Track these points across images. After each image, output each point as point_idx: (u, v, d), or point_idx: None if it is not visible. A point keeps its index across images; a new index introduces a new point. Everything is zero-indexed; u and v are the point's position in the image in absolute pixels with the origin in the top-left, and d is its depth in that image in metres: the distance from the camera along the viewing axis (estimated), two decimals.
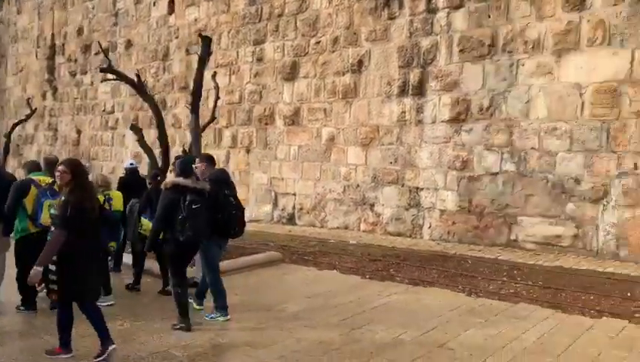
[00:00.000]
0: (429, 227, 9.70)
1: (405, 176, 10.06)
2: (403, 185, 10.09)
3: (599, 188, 7.82)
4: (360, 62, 10.75)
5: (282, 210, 12.29)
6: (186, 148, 9.06)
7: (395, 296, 5.95)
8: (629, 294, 5.86)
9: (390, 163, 10.29)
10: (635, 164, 7.50)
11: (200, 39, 8.00)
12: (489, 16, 8.99)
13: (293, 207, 12.10)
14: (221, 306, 5.05)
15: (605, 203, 7.79)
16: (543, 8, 8.36)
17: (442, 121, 9.51)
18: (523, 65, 8.62)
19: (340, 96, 11.11)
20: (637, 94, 7.46)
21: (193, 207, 4.58)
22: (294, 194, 12.10)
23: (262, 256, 7.82)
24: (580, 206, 8.02)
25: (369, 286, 6.37)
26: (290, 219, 12.08)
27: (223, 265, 7.06)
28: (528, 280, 6.57)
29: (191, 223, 4.55)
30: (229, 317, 5.02)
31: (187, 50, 14.43)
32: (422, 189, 9.82)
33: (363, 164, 10.76)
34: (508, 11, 8.77)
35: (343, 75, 11.05)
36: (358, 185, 10.85)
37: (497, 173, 8.89)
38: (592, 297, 5.81)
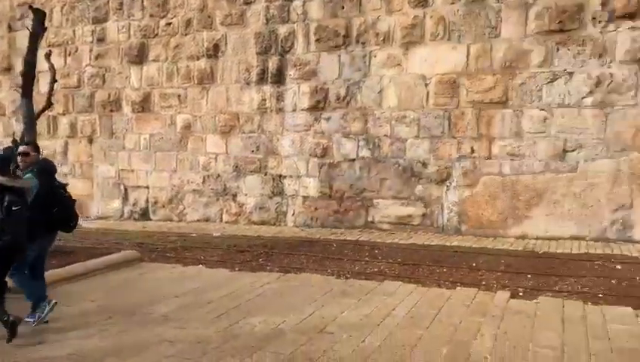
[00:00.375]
0: (293, 214, 9.79)
1: (268, 164, 10.00)
2: (266, 174, 10.02)
3: (443, 171, 8.62)
4: (216, 47, 10.35)
5: (134, 204, 11.38)
6: (16, 139, 7.82)
7: (268, 285, 5.85)
8: (474, 264, 6.55)
9: (252, 151, 10.13)
10: (472, 148, 8.41)
11: (31, 12, 6.92)
12: (343, 7, 9.29)
13: (147, 201, 11.29)
14: (37, 298, 4.59)
15: (448, 184, 8.62)
16: (392, 2, 8.88)
17: (302, 110, 9.62)
18: (375, 56, 9.09)
19: (196, 82, 10.59)
20: (472, 85, 8.35)
21: (13, 208, 4.06)
22: (147, 187, 11.29)
23: (117, 256, 7.11)
24: (427, 187, 8.77)
25: (240, 279, 6.17)
26: (144, 215, 11.25)
27: (70, 269, 6.33)
28: (389, 258, 6.98)
29: (11, 227, 4.00)
30: (54, 301, 4.63)
31: (10, 26, 12.47)
32: (285, 177, 9.86)
33: (223, 152, 10.43)
34: (360, 3, 9.15)
35: (198, 59, 10.55)
36: (218, 175, 10.50)
37: (355, 160, 9.29)
38: (444, 270, 6.37)
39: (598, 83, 7.56)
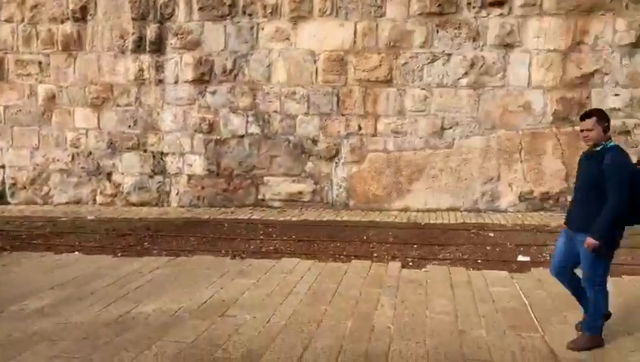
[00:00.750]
0: (177, 194, 9.27)
1: (147, 140, 9.30)
2: (145, 151, 9.32)
3: (332, 148, 8.73)
4: (84, 10, 9.27)
5: None
6: None
7: (158, 270, 5.46)
8: (364, 237, 6.76)
9: (129, 126, 9.33)
10: (359, 126, 8.61)
11: None
12: None
13: (3, 183, 9.91)
14: None
15: (337, 160, 8.77)
16: None
17: (185, 82, 9.06)
18: (263, 29, 8.82)
19: (60, 48, 9.43)
20: (359, 63, 8.50)
21: None
22: (3, 167, 9.90)
23: None
24: (317, 164, 8.83)
25: (125, 265, 5.67)
26: (0, 198, 9.88)
27: None
28: (283, 236, 6.92)
29: None
30: None
31: None
32: (167, 154, 9.26)
33: (95, 127, 9.48)
34: None
35: (62, 22, 9.38)
36: (90, 153, 9.54)
37: (244, 136, 9.02)
38: (338, 244, 6.49)
39: (472, 65, 8.15)
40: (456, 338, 3.71)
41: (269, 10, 8.73)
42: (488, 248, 6.24)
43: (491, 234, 6.86)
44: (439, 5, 8.16)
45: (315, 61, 8.69)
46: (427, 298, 4.56)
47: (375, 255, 6.04)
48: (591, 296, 3.46)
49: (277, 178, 8.97)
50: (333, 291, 4.73)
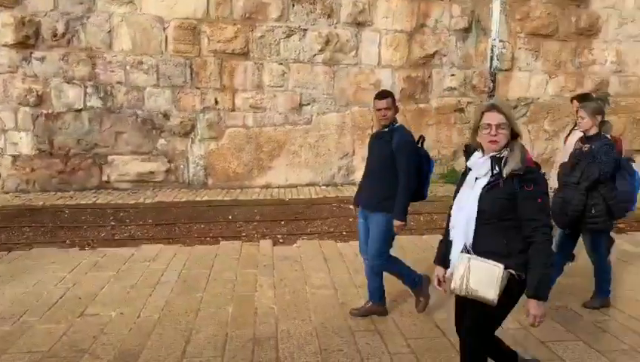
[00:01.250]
0: (1, 177, 7.87)
1: None
2: None
3: (187, 123, 8.20)
4: None
5: None
6: None
7: None
8: (230, 217, 6.51)
9: None
10: (216, 100, 8.21)
11: None
12: None
13: None
14: None
15: (193, 136, 8.27)
16: None
17: (5, 46, 7.64)
18: None
19: None
20: (214, 34, 8.04)
21: None
22: None
23: None
24: (170, 140, 8.22)
25: None
26: None
27: None
28: (138, 221, 6.34)
29: None
30: None
31: None
32: None
33: None
34: None
35: None
36: None
37: (82, 110, 7.97)
38: (202, 226, 6.15)
39: (328, 42, 8.26)
40: (339, 312, 3.74)
41: None
42: (350, 220, 6.46)
43: (351, 207, 7.12)
44: None
45: (164, 29, 7.99)
46: (304, 273, 4.55)
47: (244, 234, 5.86)
48: (377, 269, 3.55)
49: (124, 157, 8.14)
50: (206, 276, 4.45)
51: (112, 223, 6.24)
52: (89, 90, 7.94)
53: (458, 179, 2.45)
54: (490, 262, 2.18)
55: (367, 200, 3.58)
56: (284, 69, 8.26)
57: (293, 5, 8.16)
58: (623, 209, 3.57)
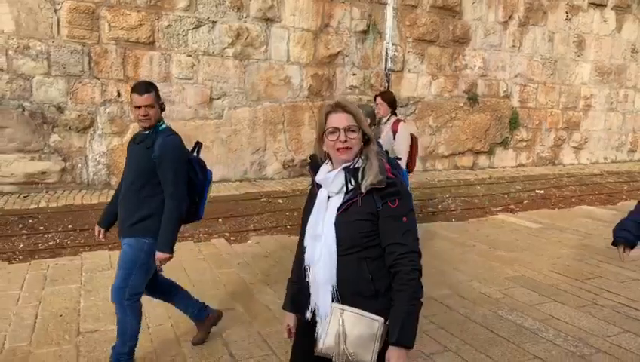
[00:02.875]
0: None
1: None
2: None
3: (85, 117, 7.39)
4: None
5: None
6: None
7: None
8: None
9: None
10: (119, 92, 7.54)
11: None
12: None
13: None
14: None
15: (93, 132, 7.49)
16: None
17: None
18: None
19: None
20: (115, 20, 7.37)
21: None
22: None
23: None
24: (65, 136, 7.34)
25: None
26: None
27: None
28: (56, 227, 5.61)
29: None
30: None
31: None
32: None
33: None
34: None
35: None
36: None
37: None
38: None
39: (238, 35, 8.15)
40: None
41: None
42: (287, 213, 6.58)
43: (280, 201, 7.22)
44: None
45: (55, 10, 7.08)
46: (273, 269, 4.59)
47: (187, 234, 5.59)
48: (120, 314, 2.76)
49: (8, 155, 7.04)
50: (189, 281, 4.21)
51: (25, 231, 5.42)
52: None
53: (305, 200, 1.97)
54: (366, 314, 1.70)
55: (120, 223, 2.80)
56: (193, 61, 7.94)
57: None
58: None
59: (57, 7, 7.07)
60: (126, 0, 7.42)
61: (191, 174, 2.86)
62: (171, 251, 2.75)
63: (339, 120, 1.76)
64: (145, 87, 2.76)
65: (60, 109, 7.24)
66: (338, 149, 1.76)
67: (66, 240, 5.22)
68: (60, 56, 7.15)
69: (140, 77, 7.60)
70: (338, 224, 1.74)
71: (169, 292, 3.10)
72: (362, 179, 1.74)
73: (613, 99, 12.33)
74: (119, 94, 7.54)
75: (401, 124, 4.52)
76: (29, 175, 7.17)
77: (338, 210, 1.76)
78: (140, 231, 2.71)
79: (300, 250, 1.87)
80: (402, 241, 1.71)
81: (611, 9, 11.79)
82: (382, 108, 4.67)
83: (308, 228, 1.83)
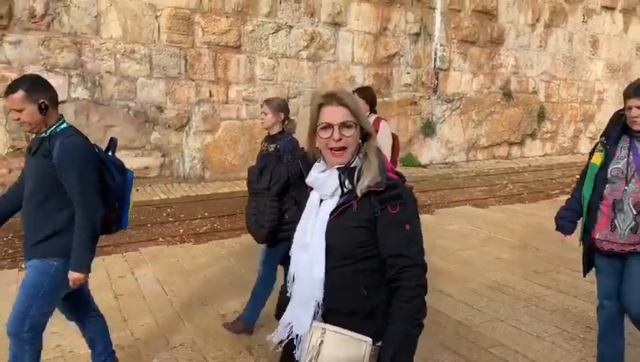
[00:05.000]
0: None
1: None
2: None
3: (183, 116, 7.98)
4: None
5: None
6: None
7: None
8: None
9: None
10: (210, 92, 8.15)
11: None
12: None
13: None
14: None
15: (188, 129, 8.08)
16: None
17: None
18: None
19: None
20: (208, 25, 7.98)
21: None
22: None
23: None
24: (164, 134, 7.91)
25: None
26: None
27: None
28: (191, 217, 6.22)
29: None
30: None
31: None
32: None
33: None
34: None
35: None
36: None
37: (65, 102, 7.18)
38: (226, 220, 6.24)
39: (312, 39, 8.85)
40: None
41: None
42: None
43: None
44: None
45: (156, 17, 7.64)
46: None
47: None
48: (16, 350, 2.34)
49: (116, 152, 7.55)
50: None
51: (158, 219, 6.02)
52: (74, 79, 7.20)
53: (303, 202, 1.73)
54: (352, 334, 1.49)
55: (23, 242, 2.44)
56: (274, 63, 8.60)
57: (281, 2, 8.54)
58: None
59: (158, 13, 7.63)
60: (216, 7, 8.03)
61: (106, 177, 2.48)
62: (87, 270, 2.36)
63: (333, 114, 1.52)
64: (11, 86, 2.31)
65: (160, 109, 7.81)
66: (331, 149, 1.52)
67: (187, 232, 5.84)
68: (161, 59, 7.71)
69: (229, 78, 8.26)
70: (330, 231, 1.50)
71: (85, 316, 2.69)
72: (358, 181, 1.50)
73: (621, 94, 13.52)
74: (211, 94, 8.15)
75: (382, 122, 4.11)
76: (134, 170, 7.69)
77: (331, 215, 1.52)
78: (45, 251, 2.33)
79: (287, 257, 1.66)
80: (405, 253, 1.46)
81: (619, 11, 12.95)
82: (360, 105, 4.10)
83: (295, 235, 1.60)
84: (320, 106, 1.56)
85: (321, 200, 1.57)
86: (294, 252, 1.61)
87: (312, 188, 1.61)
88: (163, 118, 7.84)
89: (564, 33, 12.06)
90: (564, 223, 2.84)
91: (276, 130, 3.25)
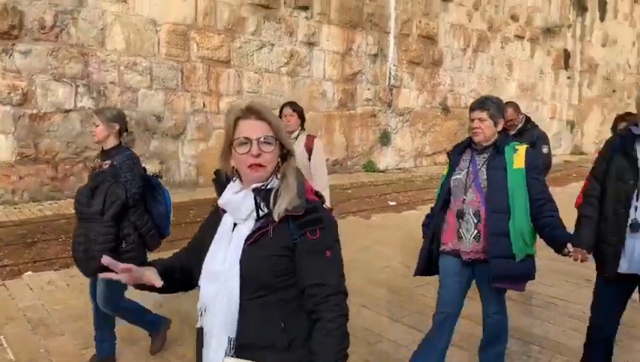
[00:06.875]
0: None
1: None
2: None
3: (179, 125, 8.46)
4: None
5: None
6: None
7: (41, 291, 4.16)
8: None
9: None
10: (204, 103, 8.71)
11: None
12: None
13: None
14: None
15: (184, 138, 8.56)
16: None
17: None
18: None
19: None
20: (202, 41, 8.56)
21: None
22: None
23: None
24: (162, 142, 8.33)
25: None
26: None
27: None
28: None
29: None
30: None
31: None
32: None
33: None
34: None
35: None
36: None
37: (71, 110, 7.41)
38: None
39: (291, 56, 9.74)
40: None
41: None
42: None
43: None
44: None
45: (157, 32, 8.10)
46: None
47: None
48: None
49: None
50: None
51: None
52: (80, 89, 7.45)
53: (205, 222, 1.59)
54: None
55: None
56: (259, 77, 9.36)
57: (265, 22, 9.34)
58: (157, 236, 2.93)
59: (158, 28, 8.10)
60: (210, 24, 8.65)
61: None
62: None
63: (252, 128, 1.41)
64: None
65: (159, 118, 8.24)
66: (249, 166, 1.41)
67: None
68: (160, 71, 8.17)
69: (220, 91, 8.90)
70: (245, 260, 1.38)
71: None
72: (275, 204, 1.39)
73: (529, 110, 15.92)
74: (204, 105, 8.72)
75: (316, 140, 3.85)
76: None
77: (246, 241, 1.40)
78: None
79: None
80: (325, 281, 1.38)
81: (527, 40, 15.34)
82: (292, 120, 3.82)
83: (205, 263, 1.46)
84: (237, 120, 1.43)
85: (235, 225, 1.43)
86: (203, 282, 1.44)
87: (224, 211, 1.47)
88: (161, 126, 8.27)
89: (487, 57, 14.08)
90: (427, 231, 2.86)
91: (111, 143, 2.85)
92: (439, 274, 2.78)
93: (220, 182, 1.55)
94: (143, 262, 2.48)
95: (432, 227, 2.79)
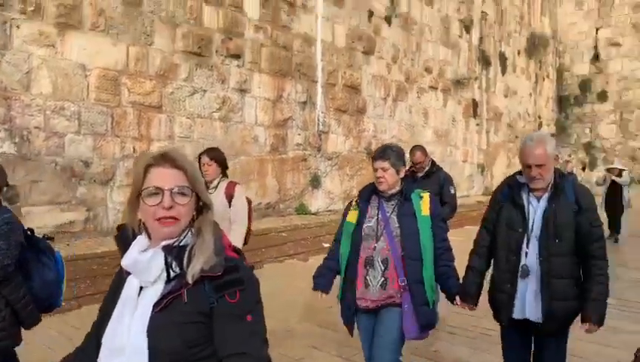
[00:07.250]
0: None
1: None
2: None
3: (108, 170, 8.21)
4: None
5: None
6: None
7: None
8: None
9: None
10: (134, 148, 8.54)
11: None
12: None
13: None
14: None
15: (112, 184, 8.31)
16: None
17: None
18: (19, 27, 7.23)
19: None
20: (134, 86, 8.49)
21: None
22: None
23: None
24: (90, 188, 8.03)
25: None
26: None
27: None
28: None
29: None
30: None
31: None
32: None
33: None
34: None
35: None
36: None
37: None
38: None
39: (224, 102, 9.88)
40: None
41: (31, 8, 7.29)
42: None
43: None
44: (199, 47, 9.44)
45: (86, 76, 7.94)
46: None
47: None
48: None
49: (41, 207, 7.47)
50: None
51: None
52: (1, 134, 7.08)
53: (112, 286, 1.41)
54: None
55: None
56: (190, 123, 9.38)
57: (197, 69, 9.47)
58: (36, 311, 2.51)
59: (88, 73, 7.96)
60: (141, 70, 8.63)
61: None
62: None
63: (164, 177, 1.26)
64: None
65: (86, 164, 7.97)
66: (159, 220, 1.25)
67: None
68: (89, 116, 7.97)
69: (152, 135, 8.81)
70: (153, 330, 1.21)
71: None
72: (189, 264, 1.24)
73: (444, 154, 17.10)
74: (134, 150, 8.56)
75: (237, 187, 3.84)
76: (58, 225, 7.66)
77: (154, 308, 1.23)
78: None
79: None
80: (246, 349, 1.23)
81: (440, 91, 16.64)
82: (210, 169, 3.81)
83: (104, 337, 1.26)
84: (148, 167, 1.30)
85: (141, 288, 1.27)
86: (104, 358, 1.26)
87: (128, 274, 1.30)
88: (89, 172, 7.99)
89: (405, 106, 15.06)
90: (319, 281, 2.91)
91: None
92: (359, 330, 2.95)
93: (124, 239, 1.32)
94: (13, 344, 2.44)
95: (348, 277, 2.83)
